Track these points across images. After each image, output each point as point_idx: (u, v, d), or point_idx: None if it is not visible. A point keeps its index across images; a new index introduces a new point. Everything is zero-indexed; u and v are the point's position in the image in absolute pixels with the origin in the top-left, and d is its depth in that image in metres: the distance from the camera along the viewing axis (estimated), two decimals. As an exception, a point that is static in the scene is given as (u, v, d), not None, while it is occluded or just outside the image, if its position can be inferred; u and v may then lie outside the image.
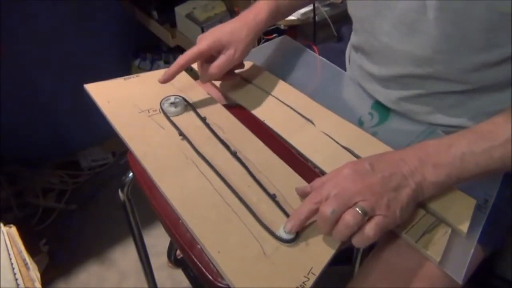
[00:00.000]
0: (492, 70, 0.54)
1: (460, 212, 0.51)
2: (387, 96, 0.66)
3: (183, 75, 0.71)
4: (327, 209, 0.44)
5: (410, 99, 0.63)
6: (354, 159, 0.57)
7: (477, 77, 0.55)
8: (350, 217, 0.43)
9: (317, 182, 0.50)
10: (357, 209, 0.44)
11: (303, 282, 0.43)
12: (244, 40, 0.63)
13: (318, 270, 0.44)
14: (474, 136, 0.48)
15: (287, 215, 0.49)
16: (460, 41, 0.52)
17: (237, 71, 0.71)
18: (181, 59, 0.62)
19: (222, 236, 0.47)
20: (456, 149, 0.47)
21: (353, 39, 0.71)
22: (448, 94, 0.59)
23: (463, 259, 0.49)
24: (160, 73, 0.68)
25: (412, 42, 0.56)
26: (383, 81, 0.65)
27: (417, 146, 0.49)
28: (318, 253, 0.46)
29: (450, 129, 0.63)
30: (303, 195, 0.51)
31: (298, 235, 0.47)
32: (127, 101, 0.64)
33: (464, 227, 0.50)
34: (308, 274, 0.43)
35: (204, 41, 0.62)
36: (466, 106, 0.60)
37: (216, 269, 0.46)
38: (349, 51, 0.77)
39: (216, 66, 0.63)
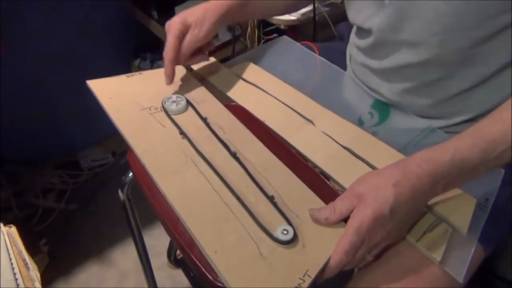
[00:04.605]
0: (488, 45, 0.54)
1: (461, 211, 0.51)
2: (390, 89, 0.66)
3: (185, 74, 0.71)
4: (360, 256, 0.47)
5: (412, 90, 0.63)
6: (354, 158, 0.58)
7: (474, 55, 0.55)
8: (367, 257, 0.50)
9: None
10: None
11: (299, 284, 0.43)
12: (208, 20, 0.65)
13: (313, 272, 0.44)
14: (486, 143, 0.46)
15: (284, 216, 0.49)
16: (451, 20, 0.53)
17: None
18: (168, 54, 0.63)
19: (220, 236, 0.47)
20: (469, 163, 0.46)
21: (354, 39, 0.71)
22: (448, 82, 0.59)
23: (464, 258, 0.49)
24: (162, 71, 0.67)
25: (406, 28, 0.57)
26: (385, 74, 0.65)
27: (431, 168, 0.46)
28: (315, 255, 0.46)
29: (451, 128, 0.64)
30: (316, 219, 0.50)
31: (295, 237, 0.47)
32: (129, 98, 0.65)
33: (464, 226, 0.50)
34: (303, 276, 0.43)
35: (174, 25, 0.63)
36: (467, 97, 0.60)
37: (216, 269, 0.46)
38: (349, 50, 0.78)
39: (184, 47, 0.65)
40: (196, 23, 0.64)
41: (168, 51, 0.63)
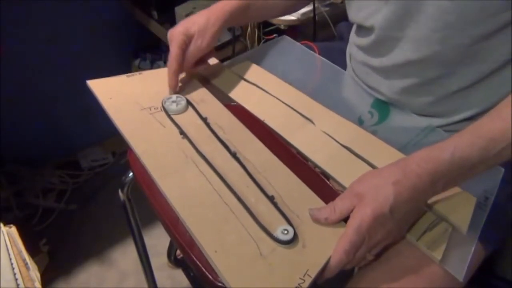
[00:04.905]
0: (488, 43, 0.54)
1: (461, 210, 0.51)
2: (390, 87, 0.66)
3: (186, 74, 0.71)
4: (361, 256, 0.47)
5: (412, 88, 0.63)
6: (354, 158, 0.58)
7: (474, 52, 0.55)
8: (367, 256, 0.50)
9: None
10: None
11: (299, 284, 0.43)
12: (211, 29, 0.65)
13: (314, 272, 0.44)
14: (486, 141, 0.46)
15: (284, 216, 0.49)
16: (453, 16, 0.53)
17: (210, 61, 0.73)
18: (172, 65, 0.64)
19: (220, 236, 0.47)
20: (468, 161, 0.46)
21: (354, 38, 0.72)
22: (448, 80, 0.60)
23: (464, 257, 0.49)
24: (162, 71, 0.68)
25: (409, 25, 0.57)
26: (385, 72, 0.65)
27: (431, 166, 0.46)
28: (315, 255, 0.46)
29: (450, 127, 0.64)
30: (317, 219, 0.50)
31: (295, 237, 0.47)
32: (129, 98, 0.65)
33: (465, 225, 0.50)
34: (304, 276, 0.43)
35: (177, 35, 0.64)
36: (467, 95, 0.60)
37: (216, 269, 0.46)
38: (349, 49, 0.78)
39: (188, 56, 0.65)
40: (199, 32, 0.64)
41: (172, 62, 0.64)
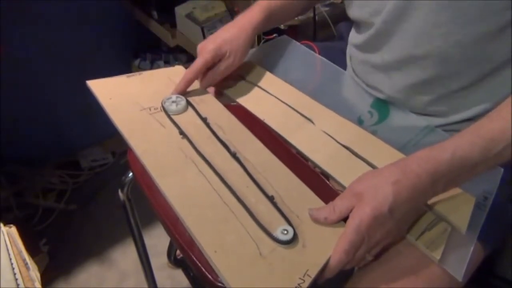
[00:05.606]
0: (490, 43, 0.54)
1: (460, 210, 0.51)
2: (391, 86, 0.66)
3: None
4: (360, 256, 0.47)
5: (413, 86, 0.63)
6: (354, 157, 0.58)
7: (476, 51, 0.56)
8: (367, 256, 0.50)
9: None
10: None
11: (299, 284, 0.42)
12: (242, 48, 0.67)
13: (313, 272, 0.44)
14: (486, 141, 0.46)
15: (284, 216, 0.49)
16: (456, 11, 0.53)
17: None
18: (189, 75, 0.65)
19: (219, 236, 0.47)
20: (469, 161, 0.46)
21: (354, 36, 0.71)
22: (450, 80, 0.60)
23: (463, 257, 0.49)
24: (162, 71, 0.68)
25: (410, 19, 0.57)
26: (386, 70, 0.65)
27: (431, 166, 0.46)
28: (315, 255, 0.46)
29: (450, 127, 0.64)
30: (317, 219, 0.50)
31: (295, 237, 0.47)
32: (129, 98, 0.65)
33: (463, 225, 0.50)
34: (303, 276, 0.43)
35: (207, 52, 0.65)
36: (466, 95, 0.60)
37: (216, 269, 0.46)
38: (349, 50, 0.78)
39: (218, 74, 0.67)
40: (231, 52, 0.66)
41: (190, 72, 0.65)
